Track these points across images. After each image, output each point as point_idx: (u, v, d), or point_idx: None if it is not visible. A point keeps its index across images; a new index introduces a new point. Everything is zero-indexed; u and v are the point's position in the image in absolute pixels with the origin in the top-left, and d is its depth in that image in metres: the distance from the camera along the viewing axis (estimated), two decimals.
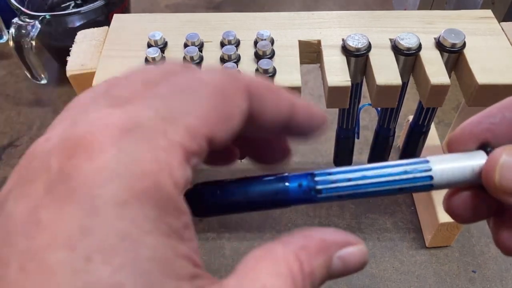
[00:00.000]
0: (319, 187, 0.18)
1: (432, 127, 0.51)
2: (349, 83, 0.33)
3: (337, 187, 0.18)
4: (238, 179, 0.19)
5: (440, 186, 0.18)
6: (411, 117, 0.43)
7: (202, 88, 0.15)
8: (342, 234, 0.17)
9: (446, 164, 0.18)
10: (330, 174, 0.19)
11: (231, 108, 0.16)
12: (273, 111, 0.18)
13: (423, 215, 0.49)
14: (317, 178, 0.18)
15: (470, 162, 0.18)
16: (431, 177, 0.18)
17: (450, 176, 0.18)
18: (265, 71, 0.33)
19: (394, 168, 0.18)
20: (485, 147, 0.19)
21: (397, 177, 0.18)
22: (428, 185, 0.18)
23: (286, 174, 0.19)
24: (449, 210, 0.20)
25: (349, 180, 0.18)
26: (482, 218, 0.20)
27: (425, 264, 0.47)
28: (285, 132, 0.19)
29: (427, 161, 0.18)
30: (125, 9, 0.63)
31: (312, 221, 0.50)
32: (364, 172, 0.18)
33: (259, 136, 0.20)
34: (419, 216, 0.50)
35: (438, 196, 0.45)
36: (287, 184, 0.19)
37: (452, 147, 0.19)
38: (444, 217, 0.44)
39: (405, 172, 0.18)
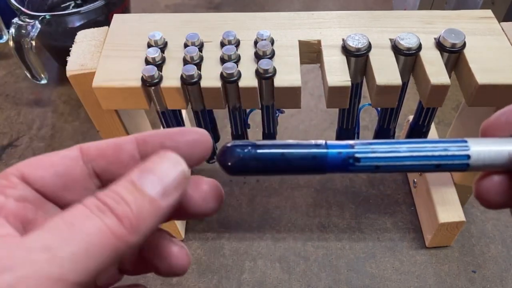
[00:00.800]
0: (358, 155, 0.19)
1: (432, 127, 0.51)
2: (349, 83, 0.33)
3: (376, 157, 0.19)
4: (274, 141, 0.19)
5: (476, 167, 0.19)
6: (411, 117, 0.43)
7: None
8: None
9: (484, 147, 0.19)
10: (370, 144, 0.19)
11: (47, 155, 0.19)
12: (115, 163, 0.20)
13: (423, 215, 0.49)
14: (357, 147, 0.19)
15: (507, 147, 0.19)
16: (468, 156, 0.18)
17: (487, 158, 0.19)
18: (265, 71, 0.33)
19: (434, 144, 0.19)
20: None
21: (436, 153, 0.19)
22: (465, 163, 0.19)
23: (325, 141, 0.19)
24: (478, 193, 0.20)
25: (389, 151, 0.19)
26: (510, 205, 0.20)
27: (425, 264, 0.47)
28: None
29: (466, 141, 0.19)
30: (125, 9, 0.63)
31: (312, 221, 0.51)
32: (404, 145, 0.19)
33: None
34: (419, 216, 0.50)
35: (438, 196, 0.45)
36: (326, 149, 0.19)
37: (487, 133, 0.20)
38: (444, 217, 0.44)
39: (445, 149, 0.19)
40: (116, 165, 0.19)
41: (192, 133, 0.19)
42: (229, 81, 0.33)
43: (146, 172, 0.17)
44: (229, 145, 0.19)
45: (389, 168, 0.19)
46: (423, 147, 0.19)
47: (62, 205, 0.19)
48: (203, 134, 0.20)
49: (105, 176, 0.19)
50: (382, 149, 0.19)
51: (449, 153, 0.19)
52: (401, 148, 0.19)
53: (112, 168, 0.19)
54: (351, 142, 0.19)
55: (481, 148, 0.19)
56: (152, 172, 0.17)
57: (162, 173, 0.17)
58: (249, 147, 0.19)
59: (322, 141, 0.19)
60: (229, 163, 0.19)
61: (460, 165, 0.19)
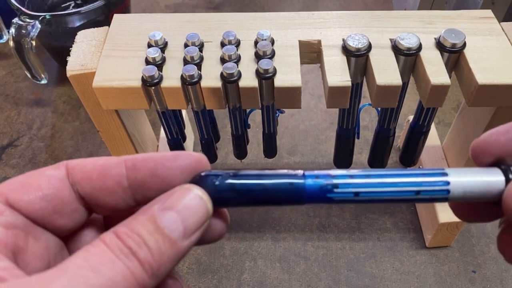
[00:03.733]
0: (336, 181, 0.18)
1: (432, 127, 0.51)
2: (349, 83, 0.33)
3: (354, 183, 0.18)
4: (251, 170, 0.18)
5: (455, 200, 0.19)
6: (411, 117, 0.43)
7: None
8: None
9: (464, 178, 0.18)
10: (348, 171, 0.18)
11: (33, 176, 0.18)
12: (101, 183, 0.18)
13: (423, 215, 0.49)
14: (334, 174, 0.18)
15: (486, 178, 0.18)
16: (448, 191, 0.18)
17: (467, 193, 0.18)
18: (266, 71, 0.33)
19: (415, 171, 0.18)
20: (500, 164, 0.19)
21: (416, 179, 0.18)
22: (444, 198, 0.18)
23: (302, 171, 0.18)
24: (453, 207, 0.19)
25: (367, 177, 0.18)
26: (486, 221, 0.19)
27: (425, 264, 0.47)
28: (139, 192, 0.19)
29: (446, 174, 0.18)
30: (125, 9, 0.63)
31: (312, 221, 0.50)
32: (382, 172, 0.18)
33: None
34: (419, 216, 0.50)
35: None
36: (303, 179, 0.18)
37: (475, 154, 0.19)
38: (444, 217, 0.44)
39: (425, 175, 0.18)
40: (101, 191, 0.18)
41: (187, 158, 0.18)
42: (229, 81, 0.33)
43: (168, 209, 0.16)
44: (203, 174, 0.18)
45: (369, 195, 0.18)
46: (403, 173, 0.18)
47: (52, 229, 0.18)
48: (199, 158, 0.18)
49: (91, 201, 0.18)
50: (360, 174, 0.18)
51: (430, 179, 0.18)
52: (379, 174, 0.18)
53: (97, 194, 0.18)
54: (330, 171, 0.18)
55: (460, 177, 0.18)
56: (174, 210, 0.16)
57: (185, 212, 0.16)
58: (224, 177, 0.18)
59: (300, 171, 0.18)
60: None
61: (440, 192, 0.18)
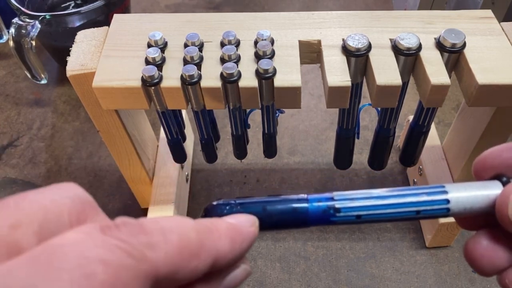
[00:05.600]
0: (338, 205, 0.19)
1: (432, 127, 0.51)
2: (349, 83, 0.33)
3: (355, 207, 0.19)
4: (257, 198, 0.20)
5: (457, 211, 0.19)
6: (411, 117, 0.43)
7: None
8: None
9: (463, 194, 0.19)
10: (350, 194, 0.19)
11: None
12: (190, 273, 0.16)
13: None
14: (336, 197, 0.19)
15: (486, 191, 0.19)
16: (448, 209, 0.19)
17: (467, 209, 0.19)
18: (265, 71, 0.33)
19: (414, 191, 0.19)
20: (501, 177, 0.19)
21: (415, 199, 0.19)
22: (444, 208, 0.19)
23: (306, 195, 0.20)
24: (469, 259, 0.19)
25: (368, 198, 0.19)
26: (503, 266, 0.19)
27: (425, 264, 0.47)
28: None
29: (444, 186, 0.19)
30: (125, 9, 0.63)
31: None
32: (383, 193, 0.19)
33: None
34: None
35: None
36: (306, 203, 0.19)
37: (477, 171, 0.20)
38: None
39: (425, 194, 0.19)
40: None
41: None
42: (229, 81, 0.33)
43: None
44: (214, 203, 0.20)
45: (370, 217, 0.19)
46: (403, 193, 0.19)
47: None
48: None
49: None
50: (361, 196, 0.19)
51: (429, 198, 0.19)
52: (380, 195, 0.19)
53: None
54: (333, 194, 0.19)
55: (460, 194, 0.19)
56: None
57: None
58: (233, 206, 0.19)
59: (303, 195, 0.19)
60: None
61: (440, 210, 0.19)
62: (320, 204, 0.19)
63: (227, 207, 0.19)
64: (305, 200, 0.19)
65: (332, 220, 0.19)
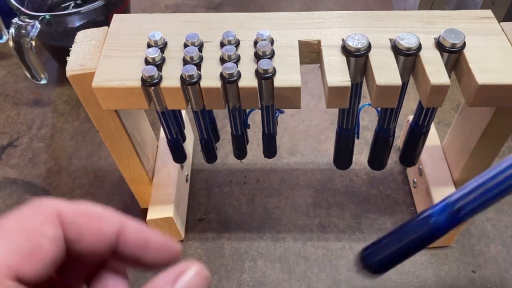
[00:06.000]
0: (457, 206, 0.20)
1: (432, 127, 0.51)
2: (349, 83, 0.33)
3: (472, 199, 0.20)
4: (392, 235, 0.22)
5: None
6: (411, 117, 0.43)
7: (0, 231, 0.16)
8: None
9: None
10: (461, 191, 0.21)
11: (36, 240, 0.17)
12: (91, 237, 0.18)
13: None
14: (453, 199, 0.21)
15: None
16: None
17: None
18: (265, 71, 0.33)
19: None
20: None
21: None
22: None
23: (428, 212, 0.21)
24: None
25: (480, 185, 0.20)
26: None
27: (425, 264, 0.47)
28: (120, 258, 0.19)
29: None
30: (125, 9, 0.63)
31: (312, 221, 0.50)
32: (491, 182, 0.20)
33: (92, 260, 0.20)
34: None
35: (438, 196, 0.45)
36: (432, 220, 0.21)
37: None
38: None
39: None
40: (89, 253, 0.19)
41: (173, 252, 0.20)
42: (229, 81, 0.33)
43: None
44: (362, 254, 0.23)
45: (490, 201, 0.20)
46: (503, 168, 0.20)
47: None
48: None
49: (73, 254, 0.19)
50: (473, 187, 0.20)
51: None
52: (486, 179, 0.20)
53: (84, 253, 0.18)
54: (450, 199, 0.21)
55: None
56: None
57: None
58: (374, 253, 0.22)
59: (426, 213, 0.21)
60: (370, 270, 0.22)
61: None
62: (444, 213, 0.21)
63: (372, 256, 0.22)
64: (430, 217, 0.21)
65: (460, 219, 0.20)
